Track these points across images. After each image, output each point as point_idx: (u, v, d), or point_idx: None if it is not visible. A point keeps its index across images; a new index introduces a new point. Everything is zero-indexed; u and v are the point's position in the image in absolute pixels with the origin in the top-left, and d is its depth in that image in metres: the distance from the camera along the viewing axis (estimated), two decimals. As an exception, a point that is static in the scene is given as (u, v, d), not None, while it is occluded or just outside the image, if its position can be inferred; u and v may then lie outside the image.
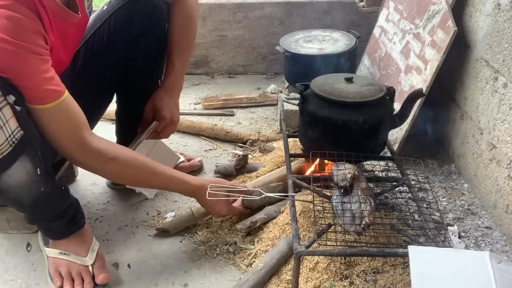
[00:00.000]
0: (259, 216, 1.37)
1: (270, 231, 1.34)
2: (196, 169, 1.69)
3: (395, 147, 1.60)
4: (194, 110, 2.16)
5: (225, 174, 1.64)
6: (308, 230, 1.26)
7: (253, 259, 1.28)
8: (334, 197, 1.17)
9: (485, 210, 1.47)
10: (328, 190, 1.26)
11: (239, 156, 1.66)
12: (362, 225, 1.06)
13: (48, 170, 1.10)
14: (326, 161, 1.43)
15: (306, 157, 1.46)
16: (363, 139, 1.29)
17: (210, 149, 1.85)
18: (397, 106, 1.39)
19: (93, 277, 1.21)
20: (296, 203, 1.28)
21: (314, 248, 1.08)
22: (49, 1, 1.04)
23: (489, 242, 1.35)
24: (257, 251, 1.29)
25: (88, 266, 1.22)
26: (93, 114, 1.45)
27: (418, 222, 1.25)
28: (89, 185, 1.62)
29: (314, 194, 1.20)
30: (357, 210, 1.10)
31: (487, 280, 0.88)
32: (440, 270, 0.91)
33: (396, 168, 1.38)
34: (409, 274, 1.09)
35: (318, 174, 1.37)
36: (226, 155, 1.80)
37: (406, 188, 1.31)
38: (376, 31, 2.12)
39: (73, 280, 1.21)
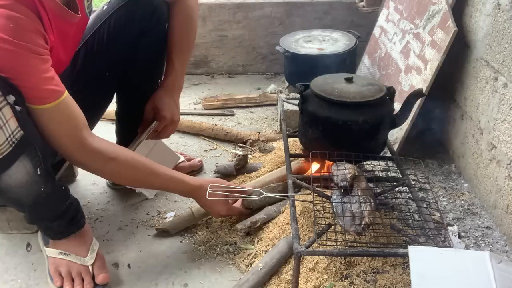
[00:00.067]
0: (259, 216, 1.37)
1: (270, 231, 1.34)
2: (196, 169, 1.69)
3: (395, 147, 1.60)
4: (194, 110, 2.16)
5: (225, 174, 1.64)
6: (308, 230, 1.26)
7: (253, 259, 1.28)
8: (334, 197, 1.17)
9: (485, 210, 1.47)
10: (328, 190, 1.26)
11: (239, 156, 1.66)
12: (362, 225, 1.06)
13: (48, 170, 1.10)
14: (326, 161, 1.42)
15: (306, 157, 1.46)
16: (363, 139, 1.29)
17: (210, 149, 1.85)
18: (397, 106, 1.39)
19: (93, 277, 1.21)
20: (296, 203, 1.28)
21: (314, 248, 1.08)
22: (49, 1, 1.04)
23: (489, 242, 1.35)
24: (257, 251, 1.29)
25: (88, 266, 1.22)
26: (93, 114, 1.45)
27: (418, 222, 1.25)
28: (89, 185, 1.62)
29: (314, 194, 1.20)
30: (357, 210, 1.10)
31: (487, 280, 0.88)
32: (440, 270, 0.91)
33: (396, 168, 1.38)
34: (409, 274, 1.09)
35: (318, 174, 1.37)
36: (226, 155, 1.80)
37: (406, 188, 1.31)
38: (376, 31, 2.12)
39: (73, 280, 1.21)
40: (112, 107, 1.55)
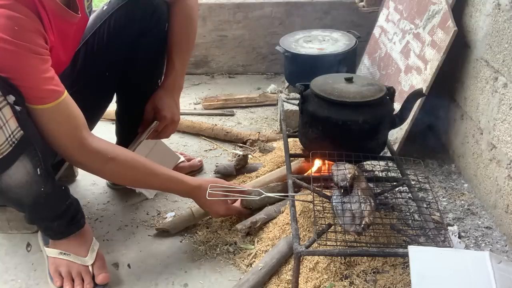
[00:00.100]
0: (259, 216, 1.37)
1: (270, 231, 1.34)
2: (196, 169, 1.69)
3: (395, 147, 1.60)
4: (194, 110, 2.16)
5: (225, 174, 1.64)
6: (308, 230, 1.26)
7: (253, 259, 1.28)
8: (334, 197, 1.17)
9: (485, 210, 1.47)
10: (328, 190, 1.26)
11: (239, 156, 1.66)
12: (362, 225, 1.06)
13: (48, 170, 1.10)
14: (326, 161, 1.42)
15: (306, 157, 1.46)
16: (363, 139, 1.29)
17: (210, 149, 1.85)
18: (397, 106, 1.39)
19: (93, 277, 1.21)
20: (296, 203, 1.28)
21: (314, 248, 1.08)
22: (49, 1, 1.04)
23: (489, 242, 1.35)
24: (257, 251, 1.29)
25: (88, 266, 1.22)
26: (93, 114, 1.45)
27: (418, 222, 1.25)
28: (89, 185, 1.62)
29: (314, 194, 1.20)
30: (357, 210, 1.10)
31: (487, 280, 0.88)
32: (440, 270, 0.91)
33: (396, 168, 1.38)
34: (409, 274, 1.09)
35: (318, 174, 1.37)
36: (226, 155, 1.80)
37: (406, 188, 1.31)
38: (376, 31, 2.12)
39: (73, 280, 1.21)
40: (112, 107, 1.55)
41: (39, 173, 1.06)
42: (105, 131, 1.66)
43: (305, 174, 1.44)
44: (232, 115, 2.12)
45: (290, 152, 1.46)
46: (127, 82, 1.44)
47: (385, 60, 1.94)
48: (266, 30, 2.45)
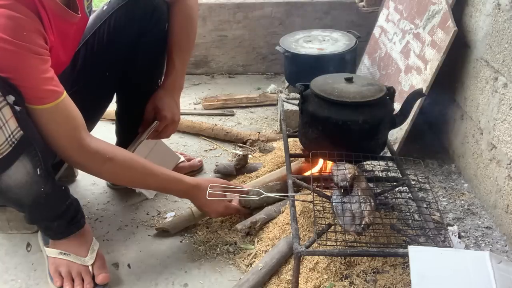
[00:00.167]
0: (259, 216, 1.37)
1: (270, 231, 1.34)
2: (196, 169, 1.69)
3: (395, 147, 1.60)
4: (194, 110, 2.16)
5: (225, 174, 1.64)
6: (308, 230, 1.26)
7: (253, 259, 1.28)
8: (334, 197, 1.17)
9: (485, 210, 1.47)
10: (328, 190, 1.26)
11: (239, 156, 1.66)
12: (362, 225, 1.06)
13: (48, 170, 1.10)
14: (326, 161, 1.42)
15: (306, 157, 1.46)
16: (363, 139, 1.29)
17: (210, 149, 1.85)
18: (397, 106, 1.39)
19: (93, 277, 1.21)
20: (296, 203, 1.28)
21: (314, 248, 1.08)
22: (49, 0, 1.04)
23: (489, 242, 1.35)
24: (257, 251, 1.29)
25: (88, 266, 1.22)
26: (93, 114, 1.45)
27: (418, 222, 1.25)
28: (89, 185, 1.62)
29: (314, 194, 1.20)
30: (357, 210, 1.10)
31: (487, 280, 0.88)
32: (440, 270, 0.91)
33: (396, 168, 1.38)
34: (409, 274, 1.09)
35: (318, 174, 1.37)
36: (226, 155, 1.80)
37: (406, 188, 1.31)
38: (376, 31, 2.12)
39: (73, 280, 1.21)
40: (112, 107, 1.55)
41: (39, 173, 1.06)
42: (105, 131, 1.67)
43: (305, 174, 1.44)
44: (232, 115, 2.12)
45: (290, 152, 1.46)
46: (127, 82, 1.44)
47: (385, 60, 1.94)
48: (266, 30, 2.45)
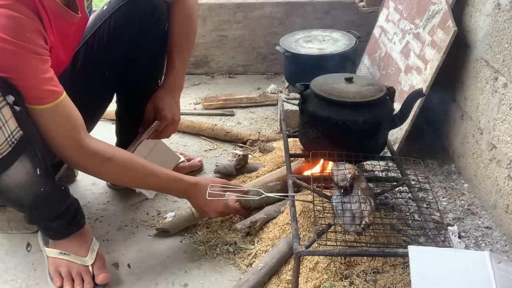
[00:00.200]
0: (259, 216, 1.37)
1: (270, 231, 1.34)
2: (196, 169, 1.69)
3: (395, 147, 1.60)
4: (194, 110, 2.16)
5: (225, 174, 1.64)
6: (308, 230, 1.26)
7: (253, 259, 1.28)
8: (334, 197, 1.17)
9: (485, 210, 1.47)
10: (328, 190, 1.26)
11: (239, 156, 1.66)
12: (362, 225, 1.06)
13: (47, 170, 1.10)
14: (326, 161, 1.42)
15: (306, 157, 1.46)
16: (363, 139, 1.29)
17: (210, 149, 1.85)
18: (397, 106, 1.39)
19: (93, 277, 1.21)
20: (296, 203, 1.28)
21: (314, 248, 1.08)
22: (49, 0, 1.04)
23: (489, 242, 1.35)
24: (257, 251, 1.29)
25: (88, 266, 1.22)
26: (93, 114, 1.45)
27: (418, 222, 1.25)
28: (89, 185, 1.62)
29: (314, 194, 1.20)
30: (357, 210, 1.10)
31: (487, 280, 0.88)
32: (440, 270, 0.91)
33: (396, 168, 1.38)
34: (409, 274, 1.09)
35: (318, 174, 1.37)
36: (226, 155, 1.80)
37: (406, 188, 1.31)
38: (376, 31, 2.12)
39: (73, 280, 1.21)
40: (112, 107, 1.54)
41: (38, 173, 1.06)
42: (105, 131, 1.67)
43: (305, 174, 1.44)
44: (232, 115, 2.12)
45: (290, 152, 1.46)
46: (127, 82, 1.44)
47: (385, 60, 1.94)
48: (266, 30, 2.45)
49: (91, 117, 1.42)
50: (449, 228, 1.37)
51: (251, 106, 2.19)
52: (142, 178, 1.24)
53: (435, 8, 1.64)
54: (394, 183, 1.31)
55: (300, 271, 1.17)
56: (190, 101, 2.25)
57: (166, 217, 1.47)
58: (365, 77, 1.60)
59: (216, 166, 1.68)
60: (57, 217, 1.19)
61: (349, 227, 1.08)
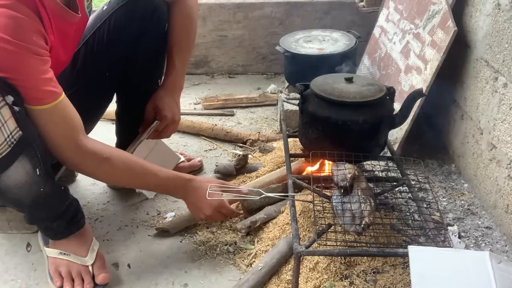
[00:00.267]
0: (259, 216, 1.37)
1: (270, 231, 1.34)
2: (196, 169, 1.69)
3: (395, 147, 1.60)
4: (194, 110, 2.16)
5: (225, 174, 1.64)
6: (308, 230, 1.26)
7: (253, 259, 1.28)
8: (334, 197, 1.17)
9: (485, 210, 1.47)
10: (328, 190, 1.26)
11: (239, 156, 1.66)
12: (362, 225, 1.06)
13: (47, 170, 1.10)
14: (326, 161, 1.42)
15: (306, 157, 1.46)
16: (363, 139, 1.29)
17: (210, 149, 1.85)
18: (397, 106, 1.39)
19: (93, 277, 1.21)
20: (296, 203, 1.28)
21: (314, 248, 1.08)
22: (50, 0, 1.04)
23: (489, 242, 1.35)
24: (257, 251, 1.29)
25: (88, 266, 1.22)
26: (93, 114, 1.45)
27: (418, 222, 1.25)
28: (89, 185, 1.62)
29: (314, 194, 1.20)
30: (357, 210, 1.10)
31: (487, 280, 0.88)
32: (440, 270, 0.91)
33: (396, 168, 1.38)
34: (409, 274, 1.09)
35: (319, 174, 1.37)
36: (226, 155, 1.80)
37: (406, 188, 1.31)
38: (376, 31, 2.12)
39: (73, 280, 1.21)
40: (112, 107, 1.54)
41: (38, 173, 1.06)
42: (105, 131, 1.67)
43: (305, 174, 1.44)
44: (232, 115, 2.12)
45: (290, 152, 1.46)
46: (127, 82, 1.44)
47: (385, 60, 1.94)
48: (266, 30, 2.45)
49: (91, 117, 1.42)
50: (449, 228, 1.37)
51: (251, 106, 2.19)
52: (140, 178, 1.23)
53: (435, 8, 1.64)
54: (394, 183, 1.31)
55: (300, 271, 1.17)
56: (190, 101, 2.25)
57: (166, 217, 1.47)
58: (365, 77, 1.60)
59: (216, 166, 1.68)
60: (57, 217, 1.19)
61: (349, 227, 1.08)
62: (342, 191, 1.17)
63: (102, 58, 1.36)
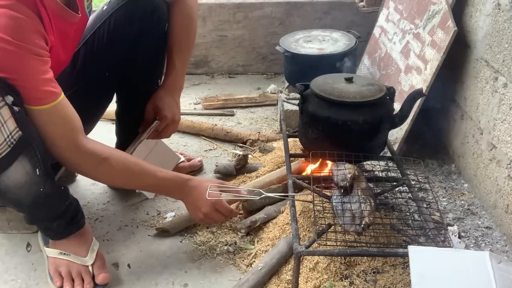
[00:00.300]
0: (259, 215, 1.37)
1: (270, 231, 1.34)
2: (196, 169, 1.69)
3: (395, 147, 1.60)
4: (194, 110, 2.16)
5: (225, 174, 1.64)
6: (308, 230, 1.26)
7: (253, 259, 1.28)
8: (334, 197, 1.17)
9: (485, 210, 1.47)
10: (328, 190, 1.26)
11: (239, 156, 1.66)
12: (362, 225, 1.06)
13: (47, 170, 1.10)
14: (326, 161, 1.42)
15: (306, 157, 1.46)
16: (363, 139, 1.29)
17: (210, 149, 1.85)
18: (397, 106, 1.39)
19: (93, 277, 1.21)
20: (296, 203, 1.28)
21: (314, 248, 1.08)
22: (50, 0, 1.04)
23: (489, 242, 1.35)
24: (257, 251, 1.29)
25: (88, 266, 1.22)
26: (93, 114, 1.45)
27: (418, 222, 1.25)
28: (89, 185, 1.62)
29: (314, 194, 1.20)
30: (357, 210, 1.10)
31: (487, 280, 0.88)
32: (440, 270, 0.91)
33: (396, 168, 1.38)
34: (409, 274, 1.09)
35: (319, 174, 1.37)
36: (226, 155, 1.80)
37: (406, 188, 1.31)
38: (376, 31, 2.12)
39: (73, 280, 1.21)
40: (112, 107, 1.54)
41: (38, 173, 1.06)
42: (105, 131, 1.67)
43: (305, 174, 1.44)
44: (232, 115, 2.12)
45: (290, 152, 1.46)
46: (127, 82, 1.44)
47: (385, 60, 1.94)
48: (266, 30, 2.45)
49: (91, 117, 1.42)
50: (449, 228, 1.37)
51: (251, 106, 2.19)
52: (139, 179, 1.23)
53: (435, 8, 1.64)
54: (394, 183, 1.31)
55: (300, 271, 1.17)
56: (190, 101, 2.25)
57: (166, 217, 1.47)
58: (365, 77, 1.60)
59: (216, 166, 1.68)
60: (57, 217, 1.19)
61: (349, 227, 1.08)
62: (342, 191, 1.17)
63: (102, 58, 1.36)
